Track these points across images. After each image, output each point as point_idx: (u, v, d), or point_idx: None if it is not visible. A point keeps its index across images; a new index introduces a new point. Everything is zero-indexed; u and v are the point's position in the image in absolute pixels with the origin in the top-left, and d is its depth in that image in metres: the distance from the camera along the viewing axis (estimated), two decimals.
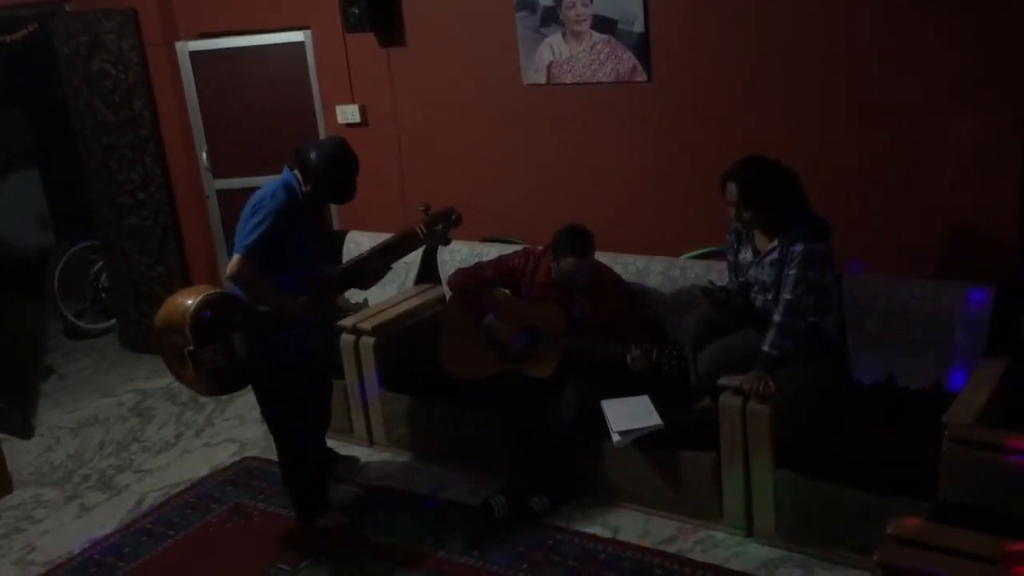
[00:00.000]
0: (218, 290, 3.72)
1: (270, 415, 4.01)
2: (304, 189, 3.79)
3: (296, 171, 3.81)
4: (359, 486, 4.41)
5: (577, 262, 4.07)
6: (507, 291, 4.36)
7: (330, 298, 4.16)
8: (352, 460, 4.59)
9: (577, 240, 4.09)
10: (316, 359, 4.04)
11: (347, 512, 4.17)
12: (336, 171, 3.76)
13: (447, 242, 4.37)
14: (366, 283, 4.15)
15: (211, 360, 3.57)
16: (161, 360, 3.83)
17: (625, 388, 3.98)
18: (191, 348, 3.53)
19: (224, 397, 5.49)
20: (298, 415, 3.95)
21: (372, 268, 4.06)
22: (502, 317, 4.25)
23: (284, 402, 3.90)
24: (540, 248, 4.35)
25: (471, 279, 4.35)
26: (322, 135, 5.55)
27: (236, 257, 3.68)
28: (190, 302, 3.58)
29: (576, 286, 4.15)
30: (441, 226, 4.21)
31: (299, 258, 3.80)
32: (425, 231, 4.14)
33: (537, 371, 4.12)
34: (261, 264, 3.66)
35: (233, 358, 3.63)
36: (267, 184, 3.80)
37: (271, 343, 3.74)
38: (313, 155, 3.73)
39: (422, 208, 4.21)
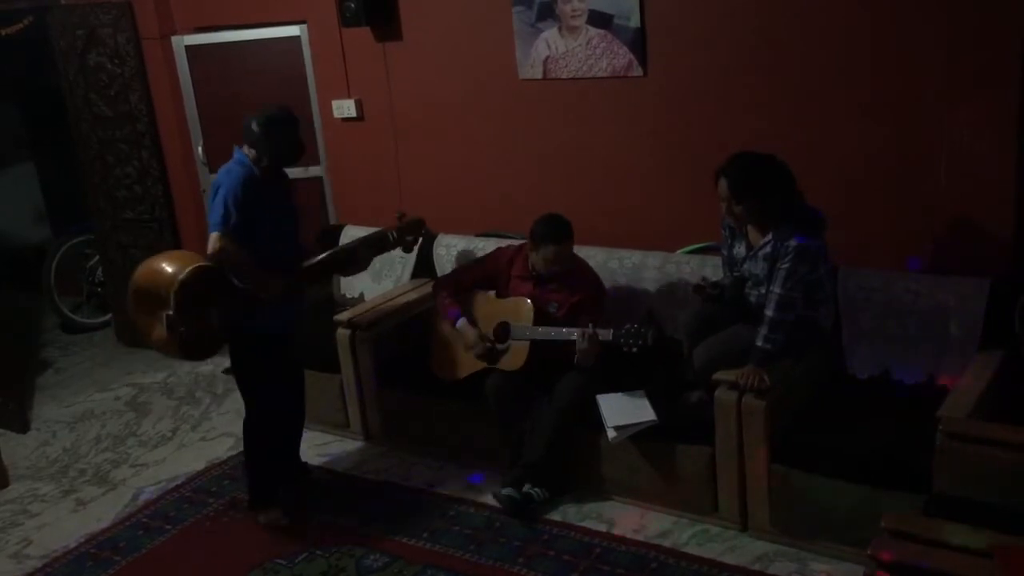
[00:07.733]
0: (205, 264, 3.75)
1: (244, 385, 4.06)
2: (255, 158, 3.83)
3: (245, 147, 3.86)
4: (356, 480, 4.41)
5: (557, 249, 4.09)
6: (489, 293, 4.35)
7: (309, 285, 4.23)
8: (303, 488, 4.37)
9: (555, 228, 4.12)
10: (291, 339, 4.08)
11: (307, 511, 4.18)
12: (273, 127, 3.79)
13: (409, 250, 4.64)
14: (349, 272, 4.44)
15: (186, 327, 3.69)
16: (154, 351, 4.03)
17: (619, 379, 3.99)
18: (170, 313, 3.65)
19: (220, 391, 5.51)
20: (269, 387, 4.00)
21: (359, 258, 4.26)
22: (480, 316, 4.27)
23: (258, 372, 3.97)
24: (515, 245, 4.37)
25: (449, 287, 4.40)
26: (318, 130, 5.55)
27: (211, 235, 3.73)
28: (176, 270, 3.72)
29: (554, 275, 4.16)
30: (411, 236, 4.48)
31: (272, 234, 3.85)
32: (396, 236, 4.40)
33: (508, 365, 4.14)
34: (240, 241, 3.73)
35: (203, 329, 3.75)
36: (221, 169, 3.89)
37: (246, 318, 3.82)
38: (252, 123, 3.80)
39: (397, 214, 4.48)
